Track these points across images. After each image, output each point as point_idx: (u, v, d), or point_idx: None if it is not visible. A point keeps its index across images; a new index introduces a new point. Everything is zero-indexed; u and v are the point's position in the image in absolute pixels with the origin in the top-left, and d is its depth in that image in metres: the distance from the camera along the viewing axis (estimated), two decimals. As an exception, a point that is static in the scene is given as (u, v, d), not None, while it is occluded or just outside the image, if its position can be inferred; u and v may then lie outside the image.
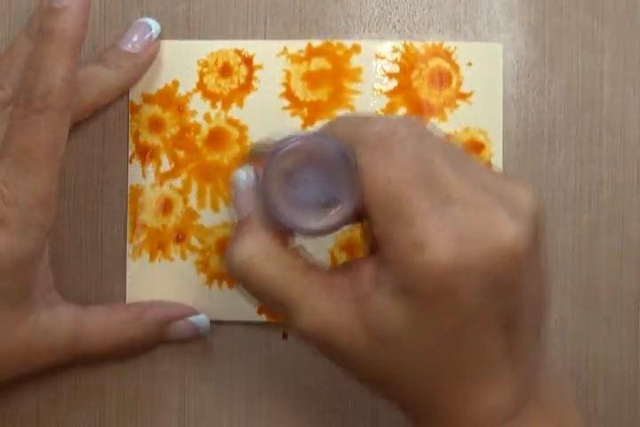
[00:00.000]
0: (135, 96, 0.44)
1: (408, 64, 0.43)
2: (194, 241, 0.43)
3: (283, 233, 0.35)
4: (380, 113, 0.43)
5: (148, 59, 0.43)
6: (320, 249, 0.42)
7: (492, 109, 0.44)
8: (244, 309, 0.43)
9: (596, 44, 0.44)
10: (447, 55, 0.44)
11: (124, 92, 0.43)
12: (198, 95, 0.44)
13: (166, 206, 0.43)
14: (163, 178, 0.43)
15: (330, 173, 0.33)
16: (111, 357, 0.42)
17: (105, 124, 0.44)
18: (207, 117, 0.43)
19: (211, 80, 0.44)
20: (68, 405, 0.44)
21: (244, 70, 0.44)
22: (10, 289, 0.38)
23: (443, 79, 0.43)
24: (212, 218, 0.43)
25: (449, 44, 0.44)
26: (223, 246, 0.43)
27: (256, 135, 0.43)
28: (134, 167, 0.44)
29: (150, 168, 0.44)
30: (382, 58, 0.43)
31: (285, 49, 0.43)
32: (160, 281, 0.43)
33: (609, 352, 0.44)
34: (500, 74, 0.44)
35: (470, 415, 0.34)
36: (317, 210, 0.34)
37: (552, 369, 0.38)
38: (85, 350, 0.41)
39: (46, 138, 0.37)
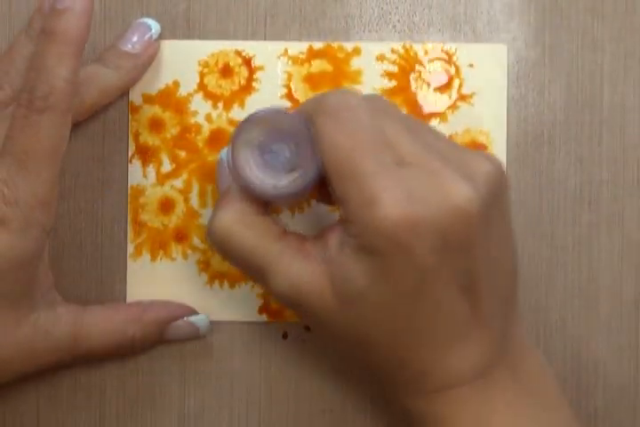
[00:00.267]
0: (135, 96, 0.44)
1: (408, 66, 0.44)
2: (195, 241, 0.43)
3: (259, 203, 0.37)
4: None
5: (148, 59, 0.43)
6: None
7: (496, 110, 0.44)
8: (243, 309, 0.43)
9: (596, 44, 0.44)
10: (448, 56, 0.44)
11: (124, 93, 0.43)
12: (199, 96, 0.44)
13: (167, 206, 0.43)
14: (163, 178, 0.44)
15: (294, 143, 0.36)
16: (111, 357, 0.42)
17: (105, 124, 0.44)
18: (208, 118, 0.43)
19: (211, 81, 0.44)
20: (68, 405, 0.44)
21: (244, 71, 0.44)
22: (10, 289, 0.38)
23: (443, 81, 0.43)
24: (212, 218, 0.43)
25: (450, 46, 0.44)
26: (223, 246, 0.43)
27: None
28: (134, 167, 0.44)
29: (151, 168, 0.44)
30: (383, 59, 0.44)
31: (286, 50, 0.44)
32: (161, 281, 0.43)
33: (609, 353, 0.44)
34: (505, 75, 0.44)
35: (438, 375, 0.36)
36: (283, 176, 0.37)
37: (529, 343, 0.39)
38: (85, 349, 0.41)
39: (47, 138, 0.37)
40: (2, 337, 0.39)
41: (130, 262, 0.44)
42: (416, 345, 0.35)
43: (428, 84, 0.44)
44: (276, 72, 0.44)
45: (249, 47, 0.44)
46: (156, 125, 0.44)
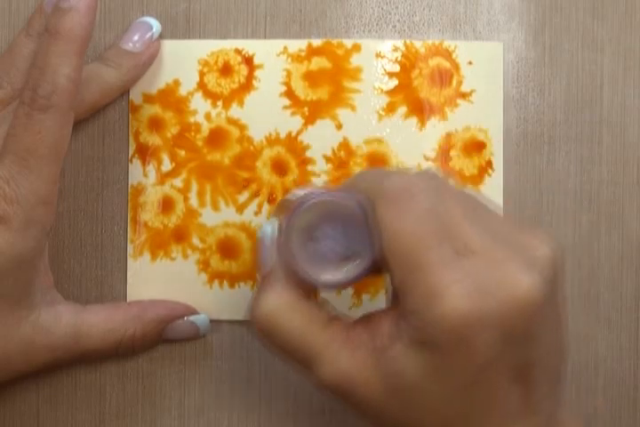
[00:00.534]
0: (135, 96, 0.44)
1: (408, 63, 0.44)
2: (195, 241, 0.43)
3: (305, 286, 0.35)
4: (397, 167, 0.44)
5: (149, 58, 0.43)
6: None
7: (493, 108, 0.44)
8: (244, 308, 0.43)
9: (596, 44, 0.44)
10: (448, 54, 0.44)
11: (125, 92, 0.43)
12: (199, 95, 0.44)
13: (167, 206, 0.43)
14: (163, 177, 0.43)
15: (350, 228, 0.35)
16: (111, 356, 0.42)
17: (105, 124, 0.44)
18: (208, 117, 0.43)
19: (211, 79, 0.44)
20: (68, 405, 0.44)
21: (244, 70, 0.44)
22: (10, 288, 0.38)
23: (443, 78, 0.44)
24: (213, 217, 0.43)
25: (449, 43, 0.44)
26: (224, 246, 0.43)
27: (257, 134, 0.43)
28: (135, 167, 0.44)
29: (151, 168, 0.44)
30: (382, 57, 0.44)
31: (286, 48, 0.44)
32: (161, 281, 0.43)
33: (609, 352, 0.44)
34: (501, 73, 0.44)
35: None
36: (337, 263, 0.35)
37: (569, 409, 0.38)
38: (86, 348, 0.41)
39: (50, 137, 0.37)
40: (2, 336, 0.39)
41: (130, 262, 0.43)
42: None
43: (429, 82, 0.44)
44: (276, 70, 0.43)
45: (248, 45, 0.44)
46: (157, 125, 0.44)
